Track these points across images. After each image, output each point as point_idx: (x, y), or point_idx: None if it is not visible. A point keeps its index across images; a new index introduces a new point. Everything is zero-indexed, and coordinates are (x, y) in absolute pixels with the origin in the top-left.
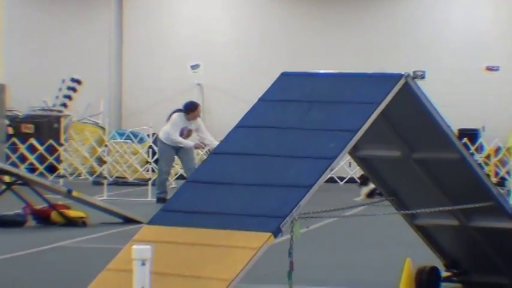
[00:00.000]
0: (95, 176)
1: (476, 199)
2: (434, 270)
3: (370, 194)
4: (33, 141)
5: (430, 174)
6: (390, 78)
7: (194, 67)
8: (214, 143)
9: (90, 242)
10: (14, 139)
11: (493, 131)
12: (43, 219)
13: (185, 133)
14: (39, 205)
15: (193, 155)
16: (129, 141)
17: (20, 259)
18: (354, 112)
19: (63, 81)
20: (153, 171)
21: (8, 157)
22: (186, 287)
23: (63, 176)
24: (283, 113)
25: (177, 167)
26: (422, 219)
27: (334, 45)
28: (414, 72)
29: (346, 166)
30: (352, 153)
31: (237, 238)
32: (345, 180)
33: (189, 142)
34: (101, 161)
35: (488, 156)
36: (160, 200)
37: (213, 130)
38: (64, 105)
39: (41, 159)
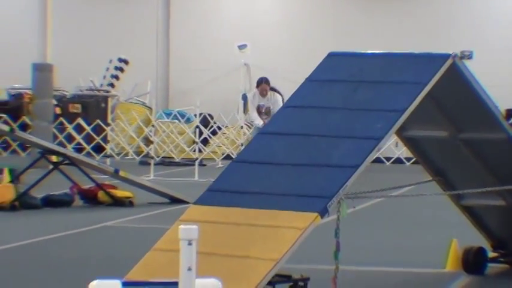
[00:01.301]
0: (141, 156)
1: None
2: (480, 250)
3: None
4: (80, 121)
5: (477, 154)
6: (437, 58)
7: (241, 47)
8: None
9: (136, 222)
10: (62, 119)
11: None
12: (90, 199)
13: (263, 110)
14: (86, 185)
15: None
16: (176, 121)
17: (67, 238)
18: (401, 92)
19: (111, 61)
20: (199, 151)
21: (55, 137)
22: (232, 267)
23: (110, 156)
24: (330, 93)
25: (223, 147)
26: (469, 199)
27: (382, 25)
28: (462, 52)
29: (393, 146)
30: (399, 133)
31: (284, 218)
32: (392, 160)
33: (258, 121)
34: (147, 141)
35: None
36: None
37: None
38: (111, 85)
39: (88, 139)
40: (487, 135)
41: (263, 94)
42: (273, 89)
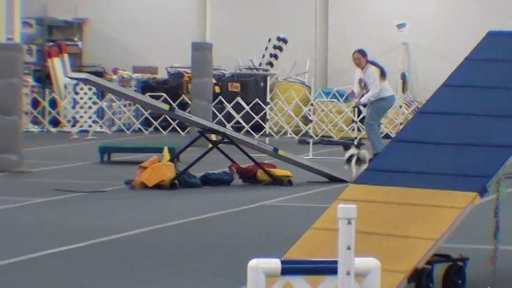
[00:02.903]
0: (300, 134)
1: None
2: None
3: (349, 160)
4: (239, 100)
5: None
6: None
7: (400, 26)
8: (362, 100)
9: (295, 200)
10: (221, 98)
11: None
12: (249, 177)
13: (362, 84)
14: (245, 164)
15: (372, 110)
16: (334, 100)
17: (225, 217)
18: None
19: (270, 40)
20: (358, 130)
21: (214, 116)
22: (392, 246)
23: (268, 135)
24: (489, 73)
25: (382, 126)
26: None
27: None
28: None
29: None
30: None
31: (443, 198)
32: None
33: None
34: (306, 120)
35: None
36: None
37: (418, 89)
38: (270, 64)
39: (247, 118)
40: None
41: (359, 66)
42: (371, 62)
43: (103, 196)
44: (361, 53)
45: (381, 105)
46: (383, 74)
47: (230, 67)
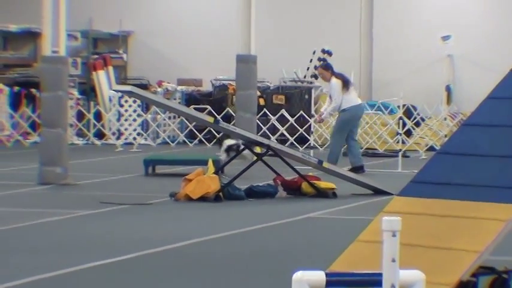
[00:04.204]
0: (344, 147)
1: None
2: None
3: (228, 150)
4: (283, 112)
5: None
6: None
7: (445, 38)
8: (324, 114)
9: (340, 213)
10: (265, 110)
11: None
12: (293, 190)
13: (328, 97)
14: (290, 176)
15: (336, 123)
16: (379, 112)
17: (270, 230)
18: None
19: (314, 52)
20: (403, 142)
21: (259, 128)
22: (436, 259)
23: (313, 147)
24: None
25: (427, 139)
26: None
27: None
28: None
29: None
30: None
31: (487, 210)
32: None
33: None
34: None
35: None
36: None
37: (463, 101)
38: (315, 76)
39: (291, 130)
40: None
41: (325, 81)
42: (336, 74)
43: (148, 209)
44: (323, 67)
45: (342, 117)
46: (345, 85)
47: (275, 79)
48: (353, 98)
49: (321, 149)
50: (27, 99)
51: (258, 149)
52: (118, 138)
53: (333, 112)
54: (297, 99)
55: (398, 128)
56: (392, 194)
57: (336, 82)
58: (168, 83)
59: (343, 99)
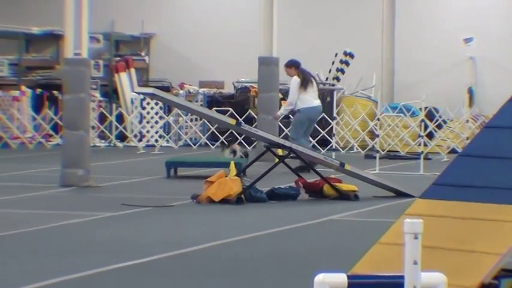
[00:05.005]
0: (366, 149)
1: None
2: None
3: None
4: None
5: None
6: None
7: (468, 40)
8: (278, 112)
9: (362, 215)
10: None
11: None
12: (315, 192)
13: None
14: (312, 178)
15: (293, 124)
16: (401, 114)
17: (292, 232)
18: None
19: (336, 54)
20: (425, 145)
21: (281, 130)
22: (457, 261)
23: (335, 150)
24: None
25: (449, 141)
26: None
27: None
28: None
29: None
30: None
31: (509, 212)
32: None
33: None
34: (372, 135)
35: None
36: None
37: (485, 103)
38: (337, 78)
39: (313, 132)
40: None
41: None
42: (300, 70)
43: (169, 211)
44: (287, 65)
45: (296, 117)
46: (303, 84)
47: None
48: (309, 99)
49: (342, 151)
50: (50, 101)
51: (280, 151)
52: (140, 140)
53: (286, 111)
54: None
55: (420, 130)
56: (414, 197)
57: (294, 80)
58: (190, 85)
59: (299, 99)
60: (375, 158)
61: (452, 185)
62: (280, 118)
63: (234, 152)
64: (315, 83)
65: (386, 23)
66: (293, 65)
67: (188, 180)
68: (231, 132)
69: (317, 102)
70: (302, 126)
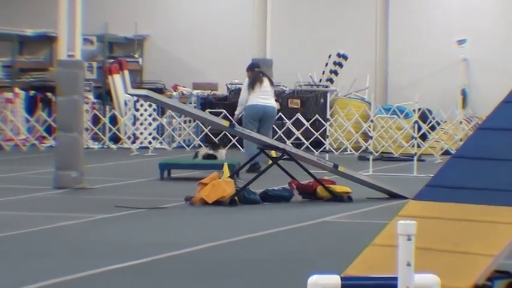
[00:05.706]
0: (360, 151)
1: None
2: None
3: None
4: (299, 116)
5: None
6: None
7: (461, 42)
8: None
9: (355, 217)
10: (281, 114)
11: None
12: (309, 194)
13: None
14: (305, 180)
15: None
16: (394, 116)
17: (286, 233)
18: None
19: (330, 56)
20: (418, 146)
21: (274, 132)
22: (451, 262)
23: (328, 151)
24: None
25: (442, 143)
26: None
27: None
28: None
29: None
30: None
31: (502, 214)
32: None
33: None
34: (365, 136)
35: None
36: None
37: (478, 105)
38: (330, 80)
39: (307, 134)
40: None
41: None
42: (256, 72)
43: (163, 213)
44: (247, 68)
45: (243, 116)
46: (251, 84)
47: (290, 83)
48: (252, 99)
49: (336, 152)
50: (43, 103)
51: (273, 153)
52: (133, 142)
53: (238, 111)
54: (312, 103)
55: (414, 131)
56: (407, 198)
57: (245, 81)
58: (183, 87)
59: (248, 99)
60: (368, 159)
61: (446, 186)
62: (237, 118)
63: (207, 156)
64: (266, 84)
65: (380, 25)
66: (249, 68)
67: (181, 182)
68: (225, 134)
69: (262, 102)
70: (247, 125)
